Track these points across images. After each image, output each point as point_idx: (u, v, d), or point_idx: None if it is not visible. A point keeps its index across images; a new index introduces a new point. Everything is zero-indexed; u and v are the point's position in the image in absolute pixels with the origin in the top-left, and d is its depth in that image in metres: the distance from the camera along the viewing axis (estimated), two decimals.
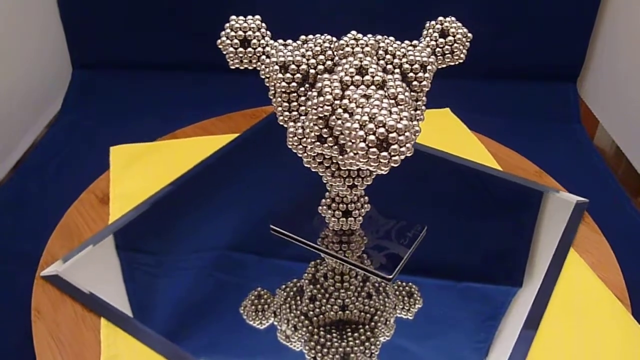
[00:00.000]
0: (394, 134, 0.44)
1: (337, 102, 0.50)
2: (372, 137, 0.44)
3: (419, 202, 0.79)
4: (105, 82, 1.32)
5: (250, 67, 0.60)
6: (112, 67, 1.34)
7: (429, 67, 0.55)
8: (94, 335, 0.58)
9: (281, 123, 0.58)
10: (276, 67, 0.55)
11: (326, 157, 0.57)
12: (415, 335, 0.59)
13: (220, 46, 0.59)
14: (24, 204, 0.97)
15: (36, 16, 1.22)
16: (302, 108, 0.56)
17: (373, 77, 0.50)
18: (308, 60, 0.55)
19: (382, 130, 0.44)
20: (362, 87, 0.50)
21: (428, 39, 0.61)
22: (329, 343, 0.57)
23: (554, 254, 0.69)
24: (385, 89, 0.50)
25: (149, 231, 0.71)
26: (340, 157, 0.53)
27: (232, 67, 0.60)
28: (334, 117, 0.51)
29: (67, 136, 1.16)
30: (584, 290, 0.65)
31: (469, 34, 0.61)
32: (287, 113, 0.56)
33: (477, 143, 0.90)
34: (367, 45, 0.54)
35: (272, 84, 0.56)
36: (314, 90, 0.53)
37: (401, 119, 0.44)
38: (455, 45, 0.60)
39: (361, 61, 0.52)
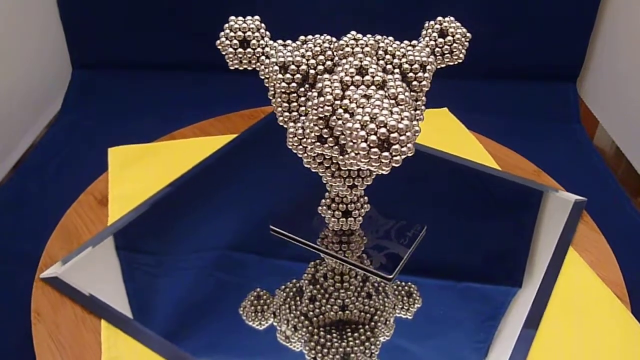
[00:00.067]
0: (395, 134, 0.44)
1: (338, 102, 0.50)
2: (373, 137, 0.44)
3: (418, 202, 0.79)
4: (105, 82, 1.32)
5: (249, 68, 0.60)
6: (112, 67, 1.34)
7: (428, 67, 0.55)
8: (94, 337, 0.58)
9: (281, 123, 0.58)
10: (276, 67, 0.55)
11: (326, 157, 0.58)
12: (415, 335, 0.59)
13: (219, 47, 0.59)
14: (24, 204, 0.97)
15: (36, 16, 1.22)
16: (302, 108, 0.56)
17: (373, 77, 0.50)
18: (308, 60, 0.55)
19: (383, 130, 0.44)
20: (363, 87, 0.50)
21: (427, 38, 0.61)
22: (329, 343, 0.57)
23: (553, 253, 0.69)
24: (385, 89, 0.50)
25: (149, 232, 0.71)
26: (341, 157, 0.53)
27: (232, 68, 0.60)
28: (334, 117, 0.51)
29: (67, 136, 1.16)
30: (583, 289, 0.65)
31: (468, 34, 0.61)
32: (287, 113, 0.56)
33: (476, 142, 0.90)
34: (367, 46, 0.54)
35: (272, 84, 0.56)
36: (314, 90, 0.53)
37: (402, 119, 0.44)
38: (455, 45, 0.60)
39: (361, 61, 0.52)
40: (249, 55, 0.59)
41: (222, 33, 0.59)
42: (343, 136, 0.51)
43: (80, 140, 1.15)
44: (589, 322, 0.61)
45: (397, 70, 0.55)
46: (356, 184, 0.60)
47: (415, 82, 0.55)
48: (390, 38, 0.57)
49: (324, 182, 0.62)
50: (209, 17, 1.15)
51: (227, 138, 0.89)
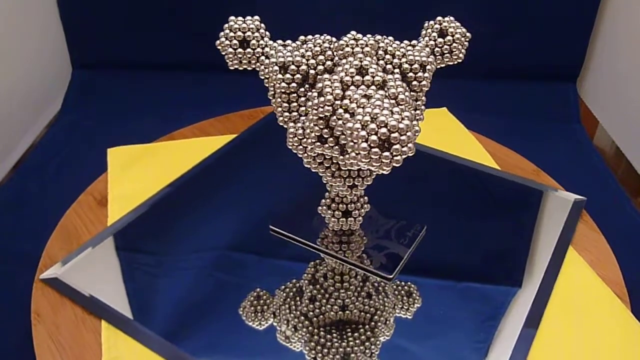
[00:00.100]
0: (396, 134, 0.44)
1: (338, 102, 0.50)
2: (374, 137, 0.44)
3: (417, 202, 0.79)
4: (105, 82, 1.32)
5: (249, 68, 0.60)
6: (112, 67, 1.34)
7: (428, 67, 0.55)
8: (95, 338, 0.58)
9: (281, 124, 0.58)
10: (276, 67, 0.55)
11: (326, 157, 0.58)
12: (415, 335, 0.59)
13: (219, 47, 0.59)
14: (24, 204, 0.97)
15: (36, 16, 1.22)
16: (302, 108, 0.56)
17: (373, 77, 0.50)
18: (308, 60, 0.55)
19: (384, 130, 0.44)
20: (363, 87, 0.50)
21: (427, 38, 0.61)
22: (329, 343, 0.57)
23: (553, 253, 0.69)
24: (385, 89, 0.50)
25: (148, 232, 0.71)
26: (341, 157, 0.53)
27: (232, 68, 0.60)
28: (334, 117, 0.51)
29: (67, 136, 1.16)
30: (583, 288, 0.65)
31: (468, 34, 0.61)
32: (287, 113, 0.56)
33: (475, 142, 0.90)
34: (366, 45, 0.54)
35: (272, 84, 0.56)
36: (314, 90, 0.53)
37: (403, 118, 0.44)
38: (454, 44, 0.60)
39: (361, 61, 0.52)
40: (249, 56, 0.59)
41: (221, 33, 0.59)
42: (343, 136, 0.51)
43: (80, 140, 1.15)
44: (589, 322, 0.61)
45: (397, 70, 0.55)
46: (356, 184, 0.60)
47: (415, 82, 0.55)
48: (390, 38, 0.57)
49: (324, 182, 0.62)
50: (209, 17, 1.15)
51: (226, 138, 0.89)
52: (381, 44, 0.56)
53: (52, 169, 1.05)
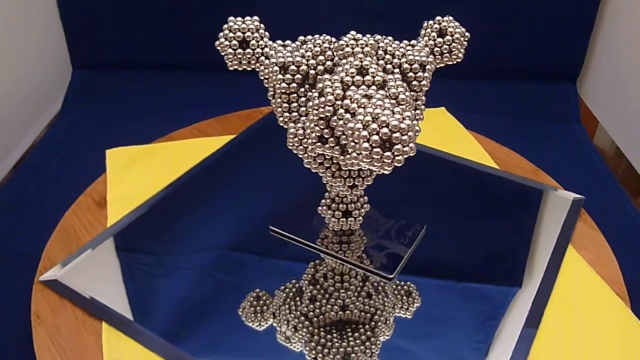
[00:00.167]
0: (398, 134, 0.44)
1: (339, 102, 0.50)
2: (375, 137, 0.44)
3: (417, 202, 0.79)
4: (105, 82, 1.32)
5: (249, 69, 0.60)
6: (112, 67, 1.34)
7: (428, 67, 0.55)
8: (95, 340, 0.58)
9: (281, 124, 0.58)
10: (276, 68, 0.55)
11: (327, 157, 0.57)
12: (415, 335, 0.59)
13: (218, 48, 0.59)
14: (24, 204, 0.97)
15: (36, 16, 1.22)
16: (302, 109, 0.56)
17: (374, 77, 0.50)
18: (308, 60, 0.55)
19: (385, 130, 0.44)
20: (363, 87, 0.50)
21: (426, 38, 0.61)
22: (329, 343, 0.57)
23: (552, 252, 0.69)
24: (386, 89, 0.50)
25: (148, 233, 0.71)
26: (342, 157, 0.53)
27: (231, 69, 0.60)
28: (335, 117, 0.51)
29: (67, 136, 1.16)
30: (583, 287, 0.65)
31: (467, 34, 0.61)
32: (287, 114, 0.56)
33: (473, 142, 0.90)
34: (366, 45, 0.54)
35: (272, 84, 0.56)
36: (314, 90, 0.53)
37: (404, 118, 0.44)
38: (454, 44, 0.60)
39: (361, 61, 0.52)
40: (249, 56, 0.59)
41: (221, 34, 0.59)
42: (344, 136, 0.51)
43: (80, 140, 1.15)
44: (589, 320, 0.61)
45: (397, 70, 0.55)
46: (356, 183, 0.60)
47: (415, 82, 0.56)
48: (390, 38, 0.57)
49: (324, 182, 0.62)
50: (209, 17, 1.15)
51: (225, 139, 0.89)
52: (381, 44, 0.56)
53: (52, 169, 1.05)
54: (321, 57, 0.55)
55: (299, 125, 0.55)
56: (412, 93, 0.56)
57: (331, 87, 0.51)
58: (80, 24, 1.30)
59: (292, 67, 0.54)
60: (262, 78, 0.60)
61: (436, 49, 0.60)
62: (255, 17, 0.60)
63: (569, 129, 1.24)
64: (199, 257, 0.68)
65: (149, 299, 0.62)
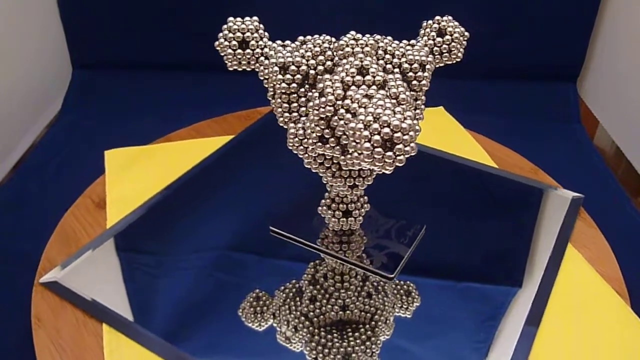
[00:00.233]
0: (399, 134, 0.44)
1: (339, 102, 0.50)
2: (377, 137, 0.44)
3: (416, 201, 0.79)
4: (105, 82, 1.32)
5: (248, 69, 0.60)
6: (112, 67, 1.34)
7: (427, 67, 0.55)
8: (96, 341, 0.58)
9: (281, 124, 0.58)
10: (276, 68, 0.55)
11: (327, 157, 0.57)
12: (415, 335, 0.59)
13: (218, 48, 0.59)
14: (24, 204, 0.97)
15: (36, 16, 1.22)
16: (303, 109, 0.56)
17: (374, 77, 0.50)
18: (308, 60, 0.55)
19: (387, 130, 0.44)
20: (364, 87, 0.50)
21: (425, 38, 0.61)
22: (329, 343, 0.57)
23: (552, 250, 0.69)
24: (386, 88, 0.50)
25: (148, 233, 0.71)
26: (343, 157, 0.53)
27: (231, 69, 0.60)
28: (336, 117, 0.51)
29: (67, 136, 1.16)
30: (583, 285, 0.65)
31: (466, 33, 0.61)
32: (287, 114, 0.56)
33: (472, 141, 0.90)
34: (366, 45, 0.54)
35: (272, 85, 0.56)
36: (314, 91, 0.53)
37: (405, 118, 0.45)
38: (453, 44, 0.60)
39: (362, 61, 0.52)
40: (248, 56, 0.59)
41: (220, 34, 0.59)
42: (345, 136, 0.51)
43: (80, 140, 1.15)
44: (589, 318, 0.61)
45: (397, 70, 0.55)
46: (357, 183, 0.60)
47: (415, 82, 0.56)
48: (389, 38, 0.57)
49: (324, 182, 0.62)
50: (209, 17, 1.15)
51: (224, 139, 0.89)
52: (381, 44, 0.56)
53: (52, 169, 1.05)
54: (321, 57, 0.55)
55: (299, 125, 0.55)
56: (412, 93, 0.56)
57: (332, 87, 0.51)
58: (80, 24, 1.30)
59: (292, 67, 0.54)
60: (261, 78, 0.60)
61: (435, 48, 0.60)
62: (255, 18, 0.60)
63: (569, 129, 1.24)
64: (199, 257, 0.68)
65: (149, 299, 0.62)
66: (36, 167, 1.07)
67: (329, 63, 0.55)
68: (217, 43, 0.59)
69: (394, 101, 0.48)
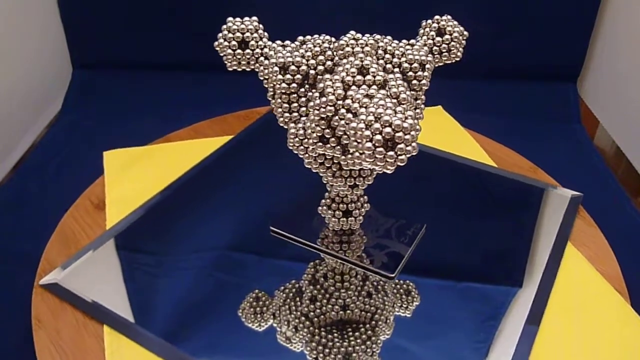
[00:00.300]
0: (400, 133, 0.44)
1: (340, 102, 0.50)
2: (378, 137, 0.44)
3: (416, 201, 0.79)
4: (105, 82, 1.32)
5: (248, 69, 0.60)
6: (112, 67, 1.34)
7: (427, 66, 0.55)
8: (97, 343, 0.58)
9: (281, 124, 0.58)
10: (276, 68, 0.55)
11: (327, 157, 0.57)
12: (415, 335, 0.59)
13: (217, 48, 0.59)
14: (24, 204, 0.97)
15: (36, 16, 1.22)
16: (303, 109, 0.56)
17: (374, 76, 0.50)
18: (308, 60, 0.55)
19: (388, 129, 0.44)
20: (364, 87, 0.50)
21: (425, 37, 0.61)
22: (330, 343, 0.57)
23: (552, 249, 0.69)
24: (387, 88, 0.50)
25: (148, 234, 0.71)
26: (343, 157, 0.53)
27: (230, 69, 0.60)
28: (336, 117, 0.51)
29: (67, 136, 1.16)
30: (583, 283, 0.65)
31: (465, 32, 0.61)
32: (287, 114, 0.56)
33: (471, 140, 0.90)
34: (367, 45, 0.54)
35: (272, 85, 0.56)
36: (314, 91, 0.53)
37: (406, 118, 0.45)
38: (452, 43, 0.60)
39: (362, 61, 0.52)
40: (248, 57, 0.59)
41: (220, 34, 0.59)
42: (346, 136, 0.51)
43: (80, 140, 1.15)
44: (589, 316, 0.61)
45: (397, 70, 0.55)
46: (357, 183, 0.60)
47: (415, 81, 0.56)
48: (389, 37, 0.57)
49: (325, 182, 0.62)
50: (209, 17, 1.15)
51: (223, 139, 0.89)
52: (380, 44, 0.56)
53: (52, 169, 1.05)
54: (321, 57, 0.55)
55: (300, 125, 0.55)
56: (412, 92, 0.56)
57: (332, 87, 0.51)
58: (80, 24, 1.30)
59: (292, 67, 0.54)
60: (261, 78, 0.60)
61: (435, 48, 0.60)
62: (254, 18, 0.59)
63: (569, 129, 1.24)
64: (199, 257, 0.68)
65: (149, 299, 0.62)
66: (36, 167, 1.07)
67: (329, 63, 0.55)
68: (216, 43, 0.59)
69: (394, 101, 0.48)
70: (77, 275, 0.65)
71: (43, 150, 1.12)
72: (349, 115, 0.49)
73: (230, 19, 0.59)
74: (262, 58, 0.59)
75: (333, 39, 0.56)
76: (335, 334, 0.58)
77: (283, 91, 0.55)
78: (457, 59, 0.61)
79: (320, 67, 0.55)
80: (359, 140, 0.46)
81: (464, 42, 0.61)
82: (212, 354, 0.57)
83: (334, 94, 0.50)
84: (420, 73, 0.55)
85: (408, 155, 0.45)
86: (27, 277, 0.66)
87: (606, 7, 1.26)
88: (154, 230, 0.72)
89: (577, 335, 0.59)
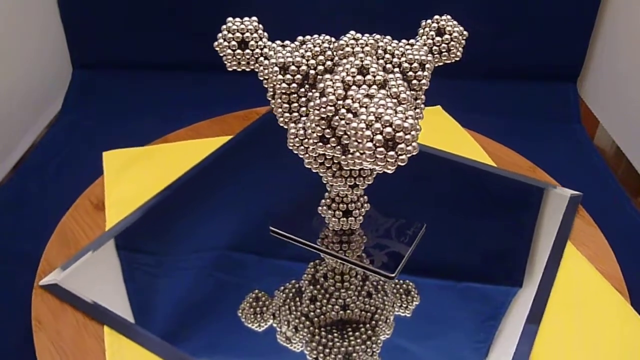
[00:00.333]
0: (401, 133, 0.44)
1: (340, 102, 0.50)
2: (379, 137, 0.44)
3: (415, 200, 0.79)
4: (105, 82, 1.32)
5: (248, 69, 0.60)
6: (112, 67, 1.34)
7: (427, 66, 0.55)
8: (97, 343, 0.58)
9: (281, 124, 0.58)
10: (276, 68, 0.55)
11: (327, 157, 0.57)
12: (415, 335, 0.59)
13: (217, 48, 0.59)
14: (24, 204, 0.97)
15: (36, 16, 1.22)
16: (303, 109, 0.56)
17: (374, 76, 0.51)
18: (308, 60, 0.55)
19: (389, 129, 0.44)
20: (364, 87, 0.50)
21: (424, 37, 0.61)
22: (330, 343, 0.57)
23: (551, 249, 0.69)
24: (387, 88, 0.50)
25: (148, 234, 0.71)
26: (344, 157, 0.53)
27: (230, 69, 0.60)
28: (337, 117, 0.51)
29: (67, 136, 1.16)
30: (582, 282, 0.65)
31: (465, 32, 0.61)
32: (287, 114, 0.56)
33: (470, 140, 0.90)
34: (366, 45, 0.54)
35: (272, 85, 0.56)
36: (315, 91, 0.53)
37: (407, 117, 0.45)
38: (452, 43, 0.60)
39: (362, 61, 0.52)
40: (248, 57, 0.59)
41: (219, 35, 0.59)
42: (346, 136, 0.51)
43: (80, 140, 1.15)
44: (589, 315, 0.61)
45: (396, 70, 0.55)
46: (357, 183, 0.60)
47: (415, 81, 0.56)
48: (389, 37, 0.57)
49: (325, 182, 0.62)
50: (209, 17, 1.15)
51: (222, 140, 0.89)
52: (380, 43, 0.56)
53: (52, 169, 1.05)
54: (321, 57, 0.55)
55: (300, 125, 0.55)
56: (411, 92, 0.56)
57: (332, 87, 0.51)
58: (80, 24, 1.30)
59: (292, 67, 0.54)
60: (261, 78, 0.59)
61: (434, 47, 0.60)
62: (254, 18, 0.59)
63: (569, 129, 1.24)
64: (199, 257, 0.68)
65: (150, 299, 0.62)
66: (36, 167, 1.07)
67: (329, 63, 0.55)
68: (216, 43, 0.59)
69: (395, 100, 0.48)
70: (77, 275, 0.65)
71: (43, 150, 1.12)
72: (350, 115, 0.49)
73: (229, 19, 0.59)
74: (261, 58, 0.59)
75: (333, 39, 0.56)
76: (335, 334, 0.58)
77: (283, 91, 0.55)
78: (457, 59, 0.61)
79: (320, 67, 0.55)
80: (359, 140, 0.46)
81: (463, 41, 0.61)
82: (212, 354, 0.57)
83: (334, 94, 0.50)
84: (420, 73, 0.55)
85: (409, 155, 0.45)
86: (27, 277, 0.66)
87: (606, 7, 1.26)
88: (153, 231, 0.72)
89: (577, 334, 0.60)
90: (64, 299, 0.62)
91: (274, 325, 0.60)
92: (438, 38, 0.60)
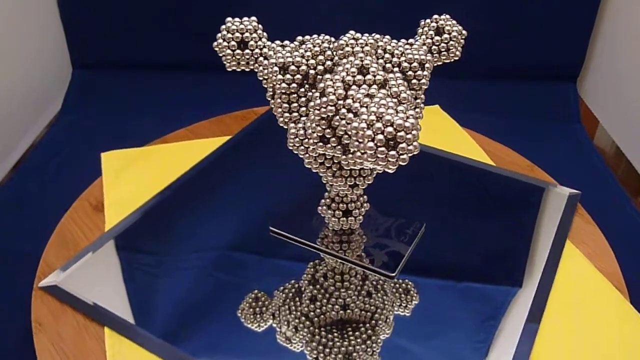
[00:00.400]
0: (402, 133, 0.44)
1: (341, 102, 0.50)
2: (380, 137, 0.44)
3: (415, 200, 0.79)
4: (105, 82, 1.32)
5: (247, 69, 0.60)
6: (112, 67, 1.34)
7: (427, 65, 0.55)
8: (98, 344, 0.58)
9: (281, 124, 0.58)
10: (276, 68, 0.55)
11: (327, 157, 0.57)
12: (415, 335, 0.59)
13: (216, 49, 0.59)
14: (24, 204, 0.97)
15: (36, 16, 1.22)
16: (303, 109, 0.56)
17: (375, 76, 0.50)
18: (307, 60, 0.55)
19: (390, 129, 0.44)
20: (365, 86, 0.50)
21: (424, 37, 0.61)
22: (330, 343, 0.57)
23: (551, 247, 0.69)
24: (387, 88, 0.50)
25: (148, 234, 0.71)
26: (344, 157, 0.53)
27: (229, 70, 0.60)
28: (337, 117, 0.50)
29: (67, 136, 1.16)
30: (582, 281, 0.65)
31: (464, 32, 0.61)
32: (287, 114, 0.56)
33: (469, 139, 0.91)
34: (366, 45, 0.54)
35: (272, 85, 0.56)
36: (315, 91, 0.53)
37: (408, 117, 0.45)
38: (451, 42, 0.60)
39: (362, 61, 0.52)
40: (247, 57, 0.59)
41: (219, 35, 0.59)
42: (346, 136, 0.51)
43: (80, 140, 1.15)
44: (589, 313, 0.61)
45: (396, 69, 0.55)
46: (357, 183, 0.60)
47: (414, 81, 0.56)
48: (388, 37, 0.57)
49: (325, 182, 0.62)
50: (209, 17, 1.15)
51: (220, 140, 0.89)
52: (380, 43, 0.56)
53: (52, 169, 1.05)
54: (321, 57, 0.55)
55: (300, 125, 0.55)
56: (411, 91, 0.56)
57: (333, 86, 0.51)
58: (80, 24, 1.31)
59: (292, 67, 0.54)
60: (260, 79, 0.59)
61: (434, 47, 0.60)
62: (253, 18, 0.59)
63: (569, 129, 1.24)
64: (199, 257, 0.68)
65: (150, 300, 0.62)
66: (36, 167, 1.07)
67: (328, 63, 0.55)
68: (215, 44, 0.59)
69: (395, 100, 0.48)
70: (77, 277, 0.65)
71: (43, 150, 1.12)
72: (350, 115, 0.49)
73: (229, 19, 0.59)
74: (261, 58, 0.59)
75: (333, 39, 0.56)
76: (335, 334, 0.58)
77: (283, 91, 0.55)
78: (456, 58, 0.61)
79: (320, 67, 0.55)
80: (360, 140, 0.46)
81: (462, 41, 0.61)
82: (212, 354, 0.57)
83: (334, 94, 0.50)
84: (419, 72, 0.55)
85: (410, 155, 0.45)
86: (27, 277, 0.66)
87: (606, 7, 1.26)
88: (153, 231, 0.72)
89: (577, 332, 0.60)
90: (64, 301, 0.62)
91: (274, 325, 0.60)
92: (437, 37, 0.60)
